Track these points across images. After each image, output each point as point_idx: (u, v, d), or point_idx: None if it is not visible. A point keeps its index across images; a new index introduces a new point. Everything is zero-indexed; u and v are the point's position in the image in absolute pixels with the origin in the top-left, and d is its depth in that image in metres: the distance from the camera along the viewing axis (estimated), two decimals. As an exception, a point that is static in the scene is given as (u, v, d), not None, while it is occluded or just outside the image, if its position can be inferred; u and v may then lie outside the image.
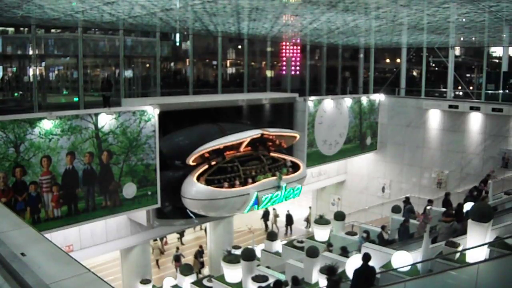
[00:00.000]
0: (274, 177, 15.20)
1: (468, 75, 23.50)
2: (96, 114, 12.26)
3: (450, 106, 20.42)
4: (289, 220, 23.44)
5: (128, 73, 17.39)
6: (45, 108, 14.20)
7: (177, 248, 19.95)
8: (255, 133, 15.18)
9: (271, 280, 11.17)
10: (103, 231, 13.99)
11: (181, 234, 21.64)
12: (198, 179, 13.97)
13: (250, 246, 13.36)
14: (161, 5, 10.80)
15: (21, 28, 15.24)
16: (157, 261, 19.29)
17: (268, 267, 13.07)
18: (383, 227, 12.72)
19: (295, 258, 12.31)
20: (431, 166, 21.33)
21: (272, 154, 16.44)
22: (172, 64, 19.86)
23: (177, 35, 19.35)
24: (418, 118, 21.62)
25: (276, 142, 16.75)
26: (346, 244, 12.48)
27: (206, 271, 18.05)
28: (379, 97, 22.99)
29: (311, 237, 14.00)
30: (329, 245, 12.46)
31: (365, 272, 8.10)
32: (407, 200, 14.94)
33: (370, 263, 8.17)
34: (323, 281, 10.34)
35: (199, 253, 18.32)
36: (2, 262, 4.42)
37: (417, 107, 21.67)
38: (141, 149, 13.20)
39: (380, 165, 23.18)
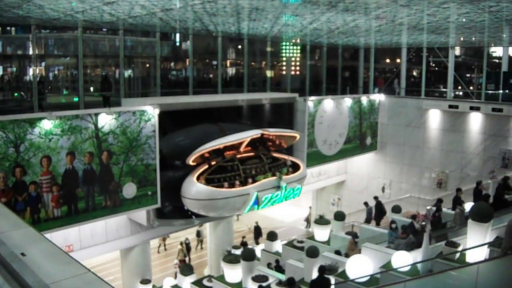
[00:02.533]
0: (274, 177, 15.20)
1: (468, 75, 23.50)
2: (96, 114, 12.27)
3: (450, 106, 20.42)
4: (258, 232, 20.94)
5: (128, 73, 17.39)
6: (45, 108, 14.20)
7: (200, 224, 20.32)
8: (255, 133, 15.18)
9: (271, 280, 11.19)
10: (103, 231, 13.99)
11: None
12: (198, 179, 13.98)
13: (250, 246, 13.37)
14: (161, 5, 10.79)
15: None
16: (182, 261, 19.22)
17: (270, 264, 13.00)
18: (413, 217, 12.52)
19: (295, 258, 12.33)
20: (431, 166, 21.33)
21: (272, 153, 16.44)
22: (172, 64, 19.86)
23: (177, 35, 19.34)
24: (418, 118, 21.62)
25: (276, 142, 16.75)
26: (345, 245, 12.48)
27: (206, 270, 18.06)
28: (379, 97, 22.99)
29: (311, 237, 14.01)
30: (355, 236, 12.22)
31: (320, 283, 8.81)
32: (366, 203, 17.91)
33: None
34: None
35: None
36: (2, 262, 4.41)
37: (417, 107, 21.68)
38: (141, 149, 13.20)
39: (380, 165, 23.18)
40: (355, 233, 12.47)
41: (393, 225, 12.21)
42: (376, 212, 17.56)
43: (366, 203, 18.28)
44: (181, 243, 19.63)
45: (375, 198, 17.75)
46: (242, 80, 20.22)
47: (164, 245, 21.94)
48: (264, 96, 18.34)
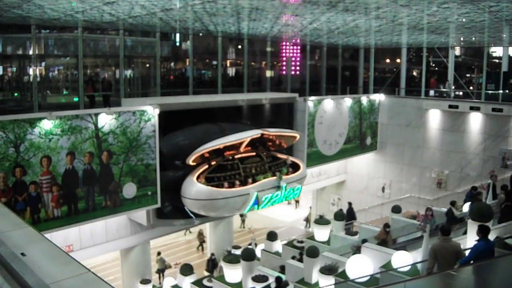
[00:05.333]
0: (274, 177, 15.20)
1: (468, 75, 23.49)
2: (96, 114, 12.26)
3: (450, 106, 20.42)
4: (213, 264, 16.79)
5: (128, 73, 17.40)
6: (45, 108, 14.21)
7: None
8: (255, 133, 15.18)
9: (271, 280, 11.19)
10: (103, 231, 13.99)
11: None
12: (198, 178, 13.98)
13: (250, 246, 13.38)
14: (161, 5, 10.80)
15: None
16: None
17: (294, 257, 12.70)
18: (452, 203, 12.31)
19: (295, 258, 12.33)
20: (431, 166, 21.33)
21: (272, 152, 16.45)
22: (172, 64, 19.87)
23: (177, 35, 19.35)
24: (418, 118, 21.62)
25: (276, 142, 16.75)
26: (346, 244, 12.47)
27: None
28: (379, 97, 22.99)
29: (311, 237, 14.01)
30: (386, 225, 11.91)
31: None
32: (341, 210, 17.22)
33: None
34: (323, 281, 10.36)
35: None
36: (2, 262, 4.42)
37: (417, 107, 21.68)
38: (141, 149, 13.20)
39: (380, 165, 23.18)
40: (387, 223, 12.26)
41: (429, 213, 12.07)
42: (348, 217, 17.80)
43: (341, 210, 18.55)
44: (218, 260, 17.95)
45: (349, 203, 18.09)
46: (242, 80, 20.23)
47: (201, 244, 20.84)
48: (264, 96, 18.34)
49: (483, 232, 7.02)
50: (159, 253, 17.82)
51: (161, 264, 17.40)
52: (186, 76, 18.81)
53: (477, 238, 7.08)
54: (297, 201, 26.65)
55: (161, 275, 17.29)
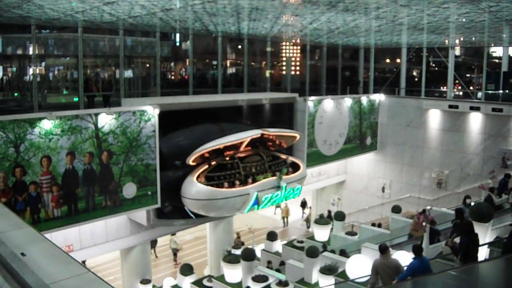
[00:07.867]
0: (274, 177, 15.20)
1: (468, 75, 23.50)
2: (96, 114, 12.26)
3: (450, 106, 20.42)
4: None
5: (128, 73, 17.40)
6: (45, 108, 14.20)
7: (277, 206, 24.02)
8: (255, 133, 15.18)
9: (271, 280, 11.20)
10: (103, 231, 13.99)
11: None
12: (198, 178, 13.98)
13: (250, 246, 13.38)
14: (161, 5, 10.80)
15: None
16: None
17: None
18: (491, 190, 12.24)
19: (295, 258, 12.33)
20: (431, 166, 21.33)
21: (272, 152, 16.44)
22: (172, 64, 19.86)
23: (177, 35, 19.35)
24: (418, 118, 21.62)
25: (276, 142, 16.75)
26: (345, 245, 12.47)
27: (206, 270, 18.06)
28: (379, 97, 23.00)
29: (311, 237, 14.02)
30: (418, 213, 11.92)
31: None
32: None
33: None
34: (323, 281, 10.37)
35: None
36: (2, 262, 4.41)
37: (417, 107, 21.68)
38: (141, 149, 13.20)
39: (380, 165, 23.18)
40: (421, 212, 12.17)
41: (468, 200, 11.98)
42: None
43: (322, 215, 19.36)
44: None
45: (329, 211, 18.95)
46: (242, 80, 20.22)
47: None
48: (264, 96, 18.34)
49: (416, 251, 7.50)
50: (173, 234, 18.32)
51: (174, 244, 19.76)
52: (186, 76, 18.82)
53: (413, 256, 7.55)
54: (284, 217, 25.29)
55: (175, 254, 19.87)
